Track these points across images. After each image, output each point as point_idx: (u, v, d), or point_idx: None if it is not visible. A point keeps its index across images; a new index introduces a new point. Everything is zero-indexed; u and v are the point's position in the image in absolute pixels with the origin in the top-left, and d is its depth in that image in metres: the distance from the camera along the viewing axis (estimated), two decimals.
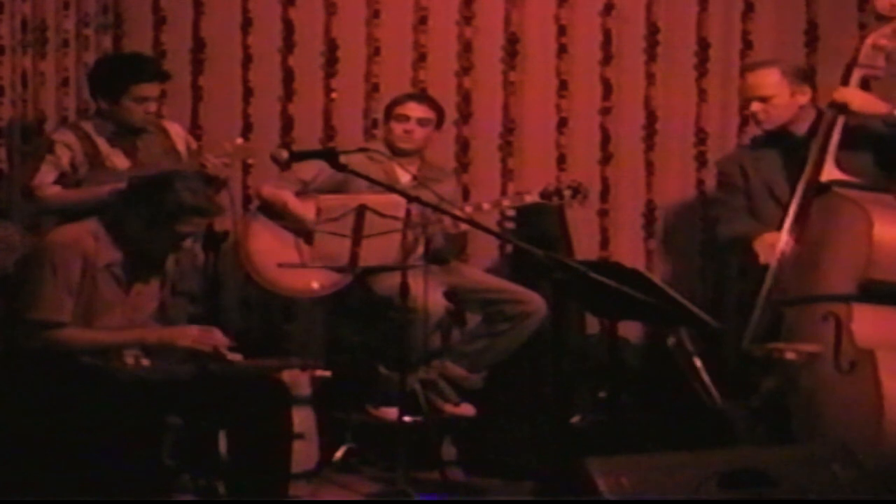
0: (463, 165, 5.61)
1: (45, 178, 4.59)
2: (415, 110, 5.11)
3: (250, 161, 5.35)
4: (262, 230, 5.03)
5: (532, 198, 5.04)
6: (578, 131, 5.64)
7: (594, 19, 5.62)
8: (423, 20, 5.55)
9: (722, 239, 4.94)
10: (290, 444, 4.05)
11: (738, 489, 3.30)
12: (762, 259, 4.49)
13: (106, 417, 3.72)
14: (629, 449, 3.73)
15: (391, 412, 4.70)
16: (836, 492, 3.36)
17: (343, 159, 3.98)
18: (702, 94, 5.66)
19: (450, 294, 4.99)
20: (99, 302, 3.96)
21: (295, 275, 4.84)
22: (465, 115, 5.59)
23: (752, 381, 4.35)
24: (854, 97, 4.47)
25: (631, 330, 5.36)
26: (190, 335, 3.93)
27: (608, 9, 5.61)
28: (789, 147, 4.63)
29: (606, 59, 5.63)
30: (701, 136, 5.67)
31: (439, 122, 5.21)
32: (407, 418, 4.49)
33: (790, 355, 4.20)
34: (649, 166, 5.67)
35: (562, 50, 5.62)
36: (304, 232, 4.91)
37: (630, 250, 5.63)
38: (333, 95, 5.54)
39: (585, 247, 5.44)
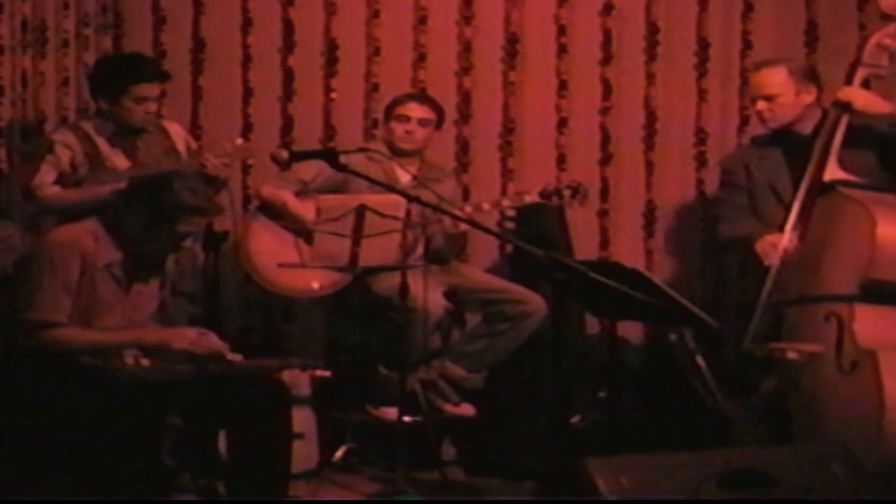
0: (463, 165, 5.61)
1: (45, 179, 4.59)
2: (416, 111, 5.11)
3: (250, 161, 5.35)
4: (262, 230, 5.03)
5: (532, 198, 5.04)
6: (578, 131, 5.64)
7: (594, 19, 5.62)
8: (423, 20, 5.55)
9: (723, 238, 4.94)
10: (290, 444, 4.05)
11: (738, 489, 3.30)
12: (765, 261, 4.49)
13: (106, 417, 3.72)
14: (629, 449, 3.72)
15: (391, 412, 4.70)
16: (836, 492, 3.36)
17: (343, 159, 3.99)
18: (702, 94, 5.66)
19: (450, 294, 4.99)
20: (98, 302, 3.96)
21: (295, 275, 4.84)
22: (465, 115, 5.59)
23: (753, 381, 4.35)
24: (858, 96, 4.47)
25: (631, 330, 5.36)
26: (186, 338, 3.93)
27: (608, 9, 5.61)
28: (794, 146, 4.63)
29: (606, 59, 5.63)
30: (701, 136, 5.67)
31: (439, 123, 5.21)
32: (407, 418, 4.49)
33: (792, 355, 4.20)
34: (649, 166, 5.67)
35: (562, 50, 5.61)
36: (303, 232, 4.91)
37: (630, 250, 5.63)
38: (333, 95, 5.54)
39: (585, 247, 5.43)
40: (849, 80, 4.51)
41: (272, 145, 5.05)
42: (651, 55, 5.65)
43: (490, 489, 4.66)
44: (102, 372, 3.82)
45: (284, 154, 4.15)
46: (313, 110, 5.53)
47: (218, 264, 4.64)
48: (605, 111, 5.65)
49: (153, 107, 4.68)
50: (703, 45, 5.65)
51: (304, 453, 4.48)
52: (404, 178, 5.03)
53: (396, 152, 5.07)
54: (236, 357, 3.96)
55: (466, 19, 5.57)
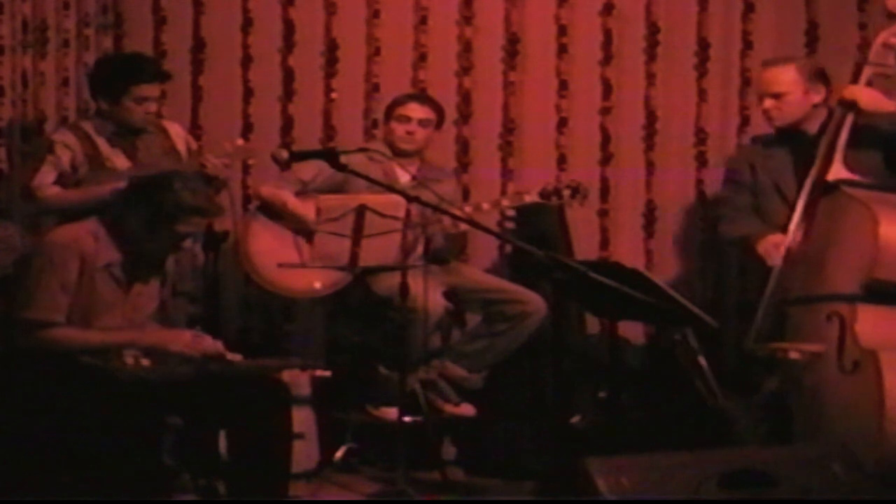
0: (463, 165, 5.61)
1: (45, 179, 4.58)
2: (416, 111, 5.11)
3: (250, 161, 5.35)
4: (262, 230, 5.02)
5: (532, 198, 5.04)
6: (578, 131, 5.64)
7: (594, 19, 5.61)
8: (423, 20, 5.55)
9: (724, 238, 4.94)
10: (290, 444, 4.04)
11: (738, 489, 3.30)
12: (768, 261, 4.49)
13: (106, 417, 3.72)
14: (629, 449, 3.72)
15: (391, 412, 4.70)
16: (836, 492, 3.36)
17: (343, 159, 3.99)
18: (702, 94, 5.66)
19: (450, 294, 4.99)
20: (98, 302, 3.96)
21: (295, 275, 4.84)
22: (465, 115, 5.59)
23: (754, 381, 4.35)
24: (863, 95, 4.46)
25: (631, 330, 5.35)
26: (182, 340, 3.92)
27: (608, 9, 5.61)
28: (800, 146, 4.63)
29: (606, 59, 5.63)
30: (701, 136, 5.67)
31: (440, 123, 5.21)
32: (407, 418, 4.49)
33: (794, 355, 4.20)
34: (649, 166, 5.67)
35: (562, 50, 5.61)
36: (304, 232, 4.91)
37: (630, 250, 5.63)
38: (333, 95, 5.53)
39: (585, 247, 5.43)
40: (854, 79, 4.51)
41: (272, 145, 5.05)
42: (651, 55, 5.64)
43: (490, 489, 4.66)
44: (102, 372, 3.82)
45: (284, 154, 4.15)
46: (313, 110, 5.53)
47: (218, 264, 4.65)
48: (605, 111, 5.64)
49: (153, 107, 4.67)
50: (704, 45, 5.65)
51: (304, 453, 4.49)
52: (404, 178, 5.03)
53: (397, 152, 5.07)
54: (236, 357, 3.96)
55: (466, 19, 5.57)
